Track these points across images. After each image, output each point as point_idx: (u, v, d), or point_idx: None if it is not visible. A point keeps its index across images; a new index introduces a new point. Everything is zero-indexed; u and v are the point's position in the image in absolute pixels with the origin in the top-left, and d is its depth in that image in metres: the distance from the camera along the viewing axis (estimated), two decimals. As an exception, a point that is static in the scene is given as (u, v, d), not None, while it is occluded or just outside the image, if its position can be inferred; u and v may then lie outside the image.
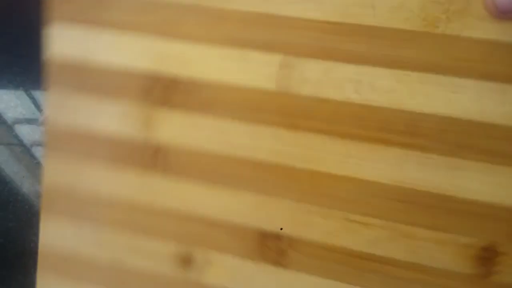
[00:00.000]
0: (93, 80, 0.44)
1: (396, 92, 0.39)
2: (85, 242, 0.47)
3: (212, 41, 0.42)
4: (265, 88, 0.41)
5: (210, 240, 0.44)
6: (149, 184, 0.45)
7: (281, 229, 0.42)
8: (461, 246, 0.39)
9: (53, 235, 0.47)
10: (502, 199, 0.38)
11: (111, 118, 0.45)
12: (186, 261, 0.45)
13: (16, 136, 0.60)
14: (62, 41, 0.45)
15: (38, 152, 0.62)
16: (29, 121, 0.60)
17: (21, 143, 0.60)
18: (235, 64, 0.42)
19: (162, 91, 0.43)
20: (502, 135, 0.37)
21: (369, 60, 0.39)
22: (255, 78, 0.41)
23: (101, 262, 0.47)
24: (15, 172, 0.61)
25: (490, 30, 0.37)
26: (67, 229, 0.47)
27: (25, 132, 0.61)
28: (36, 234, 0.47)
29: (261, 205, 0.43)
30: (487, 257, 0.39)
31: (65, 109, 0.45)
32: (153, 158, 0.44)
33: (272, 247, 0.43)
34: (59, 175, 0.47)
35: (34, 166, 0.62)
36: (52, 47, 0.45)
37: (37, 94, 0.61)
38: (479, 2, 0.37)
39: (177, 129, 0.43)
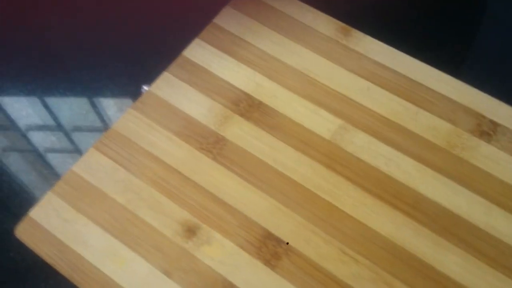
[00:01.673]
0: (202, 80, 0.58)
1: (413, 177, 0.51)
2: (114, 181, 0.52)
3: (299, 93, 0.57)
4: (321, 136, 0.54)
5: (221, 222, 0.50)
6: (198, 161, 0.53)
7: (287, 243, 0.48)
8: (427, 309, 0.45)
9: (88, 165, 0.53)
10: (469, 283, 0.46)
11: (199, 107, 0.56)
12: (190, 231, 0.49)
13: (30, 143, 0.65)
14: (201, 52, 0.60)
15: (51, 159, 0.67)
16: (42, 128, 0.66)
17: (35, 150, 0.66)
18: (308, 112, 0.55)
19: (247, 105, 0.56)
20: (482, 236, 0.48)
21: (401, 149, 0.53)
22: (318, 127, 0.54)
23: (117, 201, 0.51)
24: (29, 179, 0.64)
25: (487, 164, 0.52)
26: (106, 166, 0.53)
27: (38, 139, 0.66)
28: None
29: (277, 212, 0.50)
30: (445, 327, 0.44)
31: (169, 89, 0.57)
32: (213, 144, 0.54)
33: (270, 248, 0.48)
34: (129, 126, 0.55)
35: (47, 173, 0.67)
36: (191, 52, 0.61)
37: (50, 100, 0.67)
38: (486, 147, 0.52)
39: (243, 134, 0.54)
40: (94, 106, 0.65)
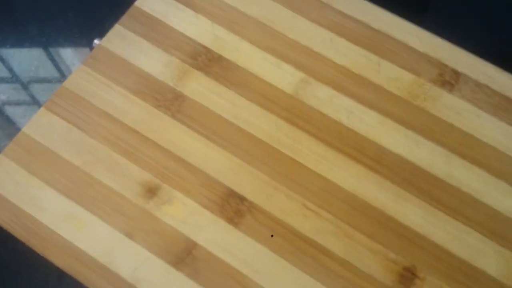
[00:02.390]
0: (157, 33, 0.55)
1: (375, 129, 0.51)
2: (67, 142, 0.50)
3: (261, 46, 0.54)
4: (283, 90, 0.53)
5: (182, 181, 0.49)
6: (155, 119, 0.51)
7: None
8: (388, 260, 0.46)
9: (40, 126, 0.50)
10: (429, 233, 0.47)
11: (155, 61, 0.53)
12: (151, 192, 0.48)
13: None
14: (156, 2, 0.56)
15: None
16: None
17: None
18: (270, 66, 0.54)
19: (206, 59, 0.54)
20: (442, 186, 0.49)
21: (363, 102, 0.52)
22: (280, 81, 0.53)
23: (72, 163, 0.49)
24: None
25: (448, 114, 0.52)
26: (58, 127, 0.50)
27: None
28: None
29: (239, 170, 0.49)
30: (406, 276, 0.45)
31: (122, 43, 0.54)
32: (171, 101, 0.52)
33: (232, 206, 0.48)
34: (82, 83, 0.52)
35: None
36: (144, 2, 0.56)
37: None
38: (448, 97, 0.52)
39: (202, 90, 0.52)
40: (44, 60, 0.61)
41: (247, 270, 0.45)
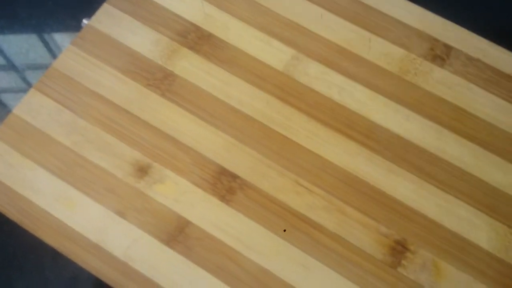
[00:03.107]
0: (146, 11, 0.54)
1: (366, 105, 0.51)
2: (58, 123, 0.49)
3: (251, 24, 0.54)
4: (274, 67, 0.52)
5: (173, 160, 0.48)
6: (146, 98, 0.51)
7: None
8: (380, 233, 0.46)
9: (30, 107, 0.50)
10: (420, 207, 0.47)
11: (144, 40, 0.53)
12: (142, 171, 0.48)
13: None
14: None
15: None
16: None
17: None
18: (260, 44, 0.53)
19: (196, 38, 0.53)
20: (433, 160, 0.49)
21: (355, 78, 0.52)
22: (270, 58, 0.53)
23: (63, 144, 0.49)
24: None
25: (440, 88, 0.51)
26: (49, 108, 0.50)
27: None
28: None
29: (231, 148, 0.49)
30: (397, 249, 0.46)
31: (110, 22, 0.54)
32: (161, 80, 0.51)
33: (225, 184, 0.48)
34: (71, 64, 0.52)
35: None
36: None
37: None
38: (439, 72, 0.52)
39: (192, 68, 0.52)
40: (34, 43, 0.61)
41: (240, 247, 0.46)
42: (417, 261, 0.46)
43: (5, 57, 0.62)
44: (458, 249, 0.46)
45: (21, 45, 0.61)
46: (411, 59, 0.53)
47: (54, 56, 0.62)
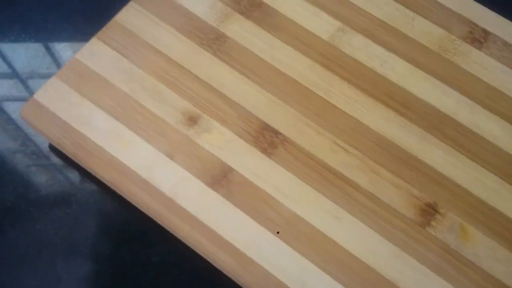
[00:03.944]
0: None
1: (406, 78, 0.54)
2: (117, 70, 0.53)
3: (300, -6, 0.58)
4: (320, 36, 0.56)
5: (220, 113, 0.52)
6: (198, 55, 0.54)
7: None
8: (412, 195, 0.49)
9: (92, 54, 0.54)
10: (451, 174, 0.50)
11: (201, 3, 0.57)
12: (192, 120, 0.51)
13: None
14: None
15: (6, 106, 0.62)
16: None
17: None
18: (308, 14, 0.57)
19: (248, 4, 0.57)
20: (465, 133, 0.51)
21: (397, 52, 0.55)
22: (317, 27, 0.56)
23: (121, 89, 0.53)
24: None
25: (476, 68, 0.54)
26: (108, 56, 0.54)
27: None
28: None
29: (274, 106, 0.52)
30: (428, 211, 0.48)
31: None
32: (213, 40, 0.55)
33: (267, 138, 0.51)
34: (131, 18, 0.56)
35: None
36: None
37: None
38: (477, 54, 0.55)
39: (242, 32, 0.56)
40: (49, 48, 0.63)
41: (278, 195, 0.49)
42: (446, 223, 0.48)
43: (21, 63, 0.63)
44: (485, 216, 0.48)
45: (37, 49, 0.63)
46: (451, 40, 0.56)
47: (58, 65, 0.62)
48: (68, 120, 0.51)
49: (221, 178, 0.49)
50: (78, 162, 0.51)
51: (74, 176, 0.54)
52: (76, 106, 0.52)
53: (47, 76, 0.58)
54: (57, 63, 0.61)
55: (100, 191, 0.54)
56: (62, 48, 0.62)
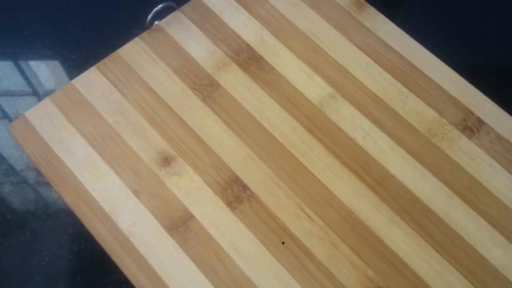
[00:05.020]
0: (211, 25, 0.60)
1: (386, 154, 0.53)
2: (107, 101, 0.55)
3: (300, 57, 0.58)
4: (310, 99, 0.56)
5: (195, 158, 0.53)
6: (188, 99, 0.56)
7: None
8: (366, 276, 0.47)
9: (88, 82, 0.56)
10: (413, 264, 0.48)
11: (202, 49, 0.59)
12: (166, 161, 0.52)
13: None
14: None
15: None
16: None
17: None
18: (303, 75, 0.57)
19: (247, 57, 0.58)
20: (437, 223, 0.49)
21: (383, 127, 0.54)
22: (309, 90, 0.56)
23: (106, 120, 0.54)
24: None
25: (462, 157, 0.53)
26: (103, 86, 0.56)
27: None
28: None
29: (249, 161, 0.52)
30: (378, 296, 0.46)
31: (178, 27, 0.60)
32: (206, 86, 0.56)
33: (234, 191, 0.51)
34: (133, 54, 0.58)
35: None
36: None
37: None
38: (466, 142, 0.53)
39: (236, 83, 0.57)
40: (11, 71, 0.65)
41: (232, 251, 0.48)
42: (395, 313, 0.46)
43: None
44: (439, 314, 0.46)
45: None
46: (442, 124, 0.55)
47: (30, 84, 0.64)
48: (50, 143, 0.53)
49: (180, 224, 0.50)
50: (51, 184, 0.53)
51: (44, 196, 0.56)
52: (60, 130, 0.54)
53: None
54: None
55: (65, 215, 0.55)
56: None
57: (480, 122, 0.55)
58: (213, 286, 0.47)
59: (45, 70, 0.61)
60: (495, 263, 0.48)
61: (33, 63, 0.63)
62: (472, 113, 0.56)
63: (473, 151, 0.53)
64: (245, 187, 0.52)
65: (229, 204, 0.51)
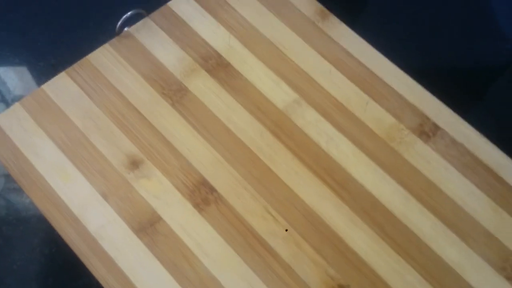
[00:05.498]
0: (180, 32, 0.62)
1: (347, 158, 0.55)
2: (76, 106, 0.56)
3: (266, 64, 0.60)
4: (275, 105, 0.58)
5: (164, 161, 0.54)
6: (157, 104, 0.57)
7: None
8: (327, 274, 0.49)
9: (57, 87, 0.57)
10: (372, 262, 0.50)
11: (171, 56, 0.60)
12: (134, 164, 0.54)
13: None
14: (186, 7, 0.63)
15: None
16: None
17: None
18: (270, 82, 0.59)
19: (215, 64, 0.60)
20: (395, 223, 0.52)
21: (345, 132, 0.57)
22: (275, 96, 0.58)
23: (75, 124, 0.55)
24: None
25: (418, 161, 0.55)
26: (72, 91, 0.57)
27: None
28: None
29: (217, 164, 0.54)
30: (339, 293, 0.48)
31: (147, 33, 0.61)
32: (174, 92, 0.58)
33: (202, 193, 0.53)
34: (102, 59, 0.59)
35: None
36: (177, 4, 0.63)
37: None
38: (422, 146, 0.56)
39: (204, 88, 0.58)
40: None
41: (199, 252, 0.50)
42: (355, 309, 0.48)
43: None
44: (396, 309, 0.49)
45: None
46: (399, 129, 0.57)
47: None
48: (21, 147, 0.54)
49: (148, 226, 0.51)
50: (20, 186, 0.53)
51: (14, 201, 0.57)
52: (30, 135, 0.54)
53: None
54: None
55: (36, 220, 0.55)
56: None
57: (436, 127, 0.58)
58: (180, 286, 0.48)
59: (13, 78, 0.62)
60: (449, 261, 0.51)
61: (1, 70, 0.63)
62: (428, 119, 0.59)
63: (429, 155, 0.57)
64: (212, 190, 0.53)
65: (196, 206, 0.52)
